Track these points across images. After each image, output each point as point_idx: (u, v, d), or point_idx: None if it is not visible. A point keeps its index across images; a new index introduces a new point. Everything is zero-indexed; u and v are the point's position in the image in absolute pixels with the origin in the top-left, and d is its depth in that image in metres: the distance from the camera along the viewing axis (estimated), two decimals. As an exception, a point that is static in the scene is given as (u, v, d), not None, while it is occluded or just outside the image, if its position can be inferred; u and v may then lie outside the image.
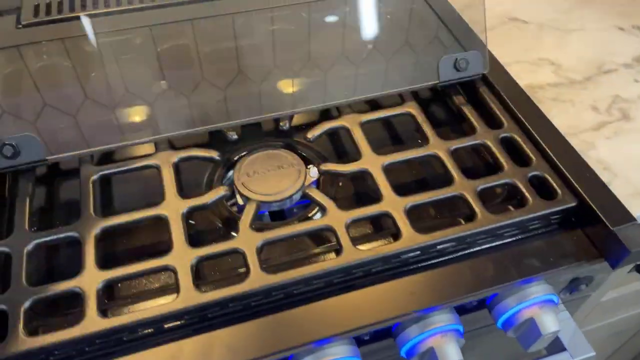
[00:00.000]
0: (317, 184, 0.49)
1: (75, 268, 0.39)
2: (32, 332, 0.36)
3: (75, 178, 0.45)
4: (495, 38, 0.59)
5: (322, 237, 0.45)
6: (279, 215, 0.50)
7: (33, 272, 0.39)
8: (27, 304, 0.36)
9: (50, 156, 0.44)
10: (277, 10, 0.59)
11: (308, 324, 0.38)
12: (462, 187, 0.44)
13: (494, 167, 0.49)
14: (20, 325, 0.35)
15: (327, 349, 0.38)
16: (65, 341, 0.35)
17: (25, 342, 0.35)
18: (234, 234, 0.45)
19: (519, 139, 0.48)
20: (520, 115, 0.50)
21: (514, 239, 0.44)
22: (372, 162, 0.46)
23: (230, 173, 0.49)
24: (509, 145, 0.48)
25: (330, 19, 0.60)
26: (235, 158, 0.50)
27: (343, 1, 0.60)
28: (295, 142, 0.52)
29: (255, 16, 0.58)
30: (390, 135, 0.54)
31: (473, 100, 0.53)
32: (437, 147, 0.47)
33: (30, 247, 0.40)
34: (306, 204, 0.48)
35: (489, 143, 0.48)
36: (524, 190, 0.44)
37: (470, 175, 0.45)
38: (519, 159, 0.47)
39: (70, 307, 0.40)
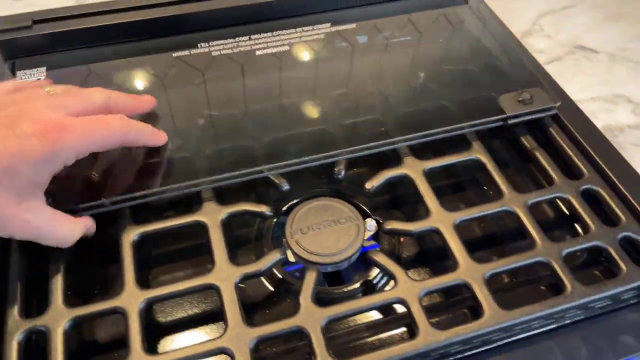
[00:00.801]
0: (373, 237, 0.44)
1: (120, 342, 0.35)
2: None
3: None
4: (563, 70, 0.54)
5: (388, 308, 0.41)
6: (334, 275, 0.45)
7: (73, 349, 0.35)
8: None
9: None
10: (327, 38, 0.54)
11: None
12: (546, 252, 0.39)
13: (573, 224, 0.44)
14: None
15: None
16: None
17: None
18: (287, 300, 0.41)
19: (603, 193, 0.43)
20: (602, 164, 0.45)
21: (603, 311, 0.39)
22: (441, 220, 0.41)
23: (281, 226, 0.44)
24: (590, 199, 0.44)
25: (381, 50, 0.55)
26: (285, 208, 0.46)
27: (393, 33, 0.55)
28: (350, 192, 0.47)
29: (300, 46, 0.54)
30: (454, 183, 0.49)
31: (544, 144, 0.48)
32: (513, 202, 0.42)
33: (67, 325, 0.35)
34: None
35: (571, 197, 0.43)
36: (616, 256, 0.39)
37: (549, 234, 0.41)
38: (605, 216, 0.43)
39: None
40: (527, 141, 0.48)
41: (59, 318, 0.35)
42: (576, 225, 0.45)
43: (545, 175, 0.45)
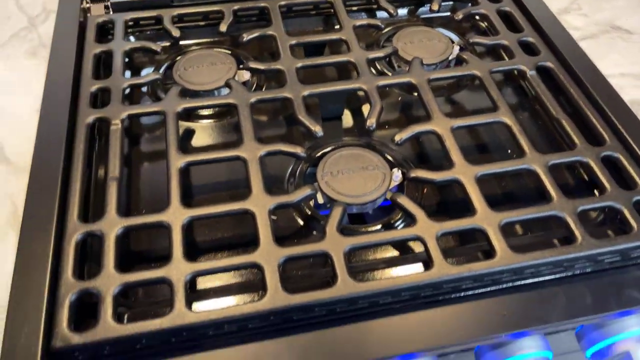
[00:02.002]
0: (398, 188, 0.47)
1: (161, 254, 0.39)
2: (119, 318, 0.36)
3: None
4: (596, 48, 0.56)
5: (406, 247, 0.44)
6: (358, 218, 0.48)
7: (121, 256, 0.39)
8: (116, 290, 0.36)
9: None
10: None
11: (391, 337, 0.37)
12: (562, 207, 0.42)
13: (591, 186, 0.46)
14: (110, 312, 0.35)
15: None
16: (154, 331, 0.35)
17: (116, 330, 0.35)
18: (314, 233, 0.45)
19: (623, 160, 0.45)
20: (624, 133, 0.47)
21: (613, 266, 0.41)
22: (464, 172, 0.44)
23: (313, 169, 0.48)
24: (609, 165, 0.45)
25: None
26: (318, 155, 0.49)
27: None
28: (380, 143, 0.50)
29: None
30: (479, 143, 0.52)
31: (569, 112, 0.50)
32: (534, 161, 0.45)
33: (119, 231, 0.40)
34: (386, 206, 0.46)
35: (591, 161, 0.45)
36: (629, 216, 0.41)
37: (566, 194, 0.43)
38: (622, 181, 0.44)
39: (153, 294, 0.40)
40: (552, 108, 0.50)
41: (112, 225, 0.40)
42: (595, 191, 0.47)
43: (568, 140, 0.47)
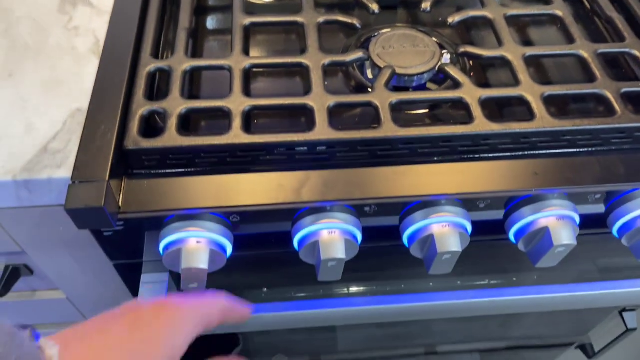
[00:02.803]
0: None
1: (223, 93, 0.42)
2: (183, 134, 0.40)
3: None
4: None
5: (447, 114, 0.46)
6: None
7: (187, 89, 0.43)
8: (182, 110, 0.40)
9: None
10: None
11: (426, 181, 0.40)
12: (605, 86, 0.43)
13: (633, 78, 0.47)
14: (175, 126, 0.39)
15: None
16: (213, 146, 0.39)
17: (179, 140, 0.39)
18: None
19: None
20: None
21: (651, 145, 0.42)
22: (513, 51, 0.46)
23: (367, 44, 0.50)
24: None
25: None
26: (373, 33, 0.52)
27: None
28: (432, 29, 0.52)
29: None
30: (530, 30, 0.53)
31: (620, 10, 0.51)
32: (583, 48, 0.46)
33: (187, 68, 0.43)
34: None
35: (637, 53, 0.46)
36: (672, 99, 0.42)
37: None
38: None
39: (210, 130, 0.44)
40: (605, 6, 0.51)
41: (181, 63, 0.44)
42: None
43: (618, 35, 0.48)
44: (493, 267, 0.58)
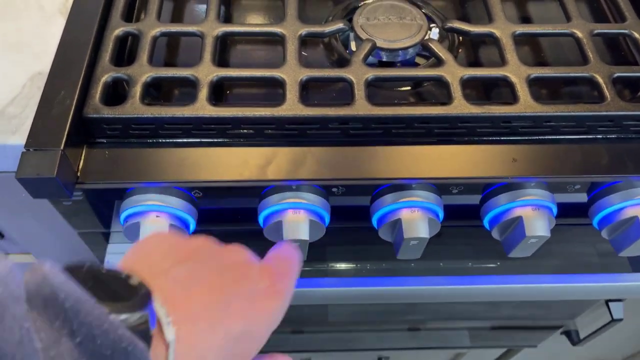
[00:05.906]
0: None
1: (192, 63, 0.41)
2: (147, 104, 0.38)
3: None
4: None
5: (431, 92, 0.44)
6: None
7: (155, 56, 0.41)
8: (147, 78, 0.39)
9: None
10: None
11: (399, 163, 0.38)
12: (597, 69, 0.40)
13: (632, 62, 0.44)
14: (139, 95, 0.38)
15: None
16: (176, 117, 0.37)
17: (142, 109, 0.37)
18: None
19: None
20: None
21: (638, 136, 0.40)
22: (502, 28, 0.43)
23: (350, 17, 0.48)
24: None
25: None
26: (360, 2, 0.49)
27: None
28: (424, 1, 0.50)
29: None
30: (530, 8, 0.50)
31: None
32: (578, 27, 0.43)
33: (156, 33, 0.42)
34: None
35: (637, 35, 0.43)
36: (666, 86, 0.40)
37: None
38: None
39: (182, 98, 0.43)
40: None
41: (151, 27, 0.42)
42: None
43: (620, 15, 0.45)
44: (480, 251, 0.56)
